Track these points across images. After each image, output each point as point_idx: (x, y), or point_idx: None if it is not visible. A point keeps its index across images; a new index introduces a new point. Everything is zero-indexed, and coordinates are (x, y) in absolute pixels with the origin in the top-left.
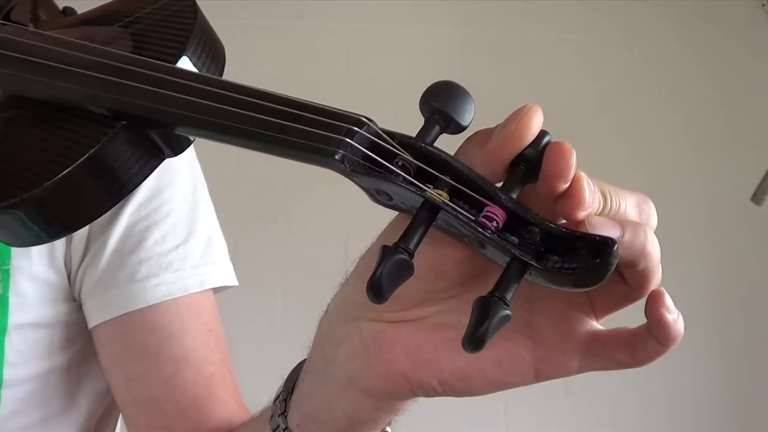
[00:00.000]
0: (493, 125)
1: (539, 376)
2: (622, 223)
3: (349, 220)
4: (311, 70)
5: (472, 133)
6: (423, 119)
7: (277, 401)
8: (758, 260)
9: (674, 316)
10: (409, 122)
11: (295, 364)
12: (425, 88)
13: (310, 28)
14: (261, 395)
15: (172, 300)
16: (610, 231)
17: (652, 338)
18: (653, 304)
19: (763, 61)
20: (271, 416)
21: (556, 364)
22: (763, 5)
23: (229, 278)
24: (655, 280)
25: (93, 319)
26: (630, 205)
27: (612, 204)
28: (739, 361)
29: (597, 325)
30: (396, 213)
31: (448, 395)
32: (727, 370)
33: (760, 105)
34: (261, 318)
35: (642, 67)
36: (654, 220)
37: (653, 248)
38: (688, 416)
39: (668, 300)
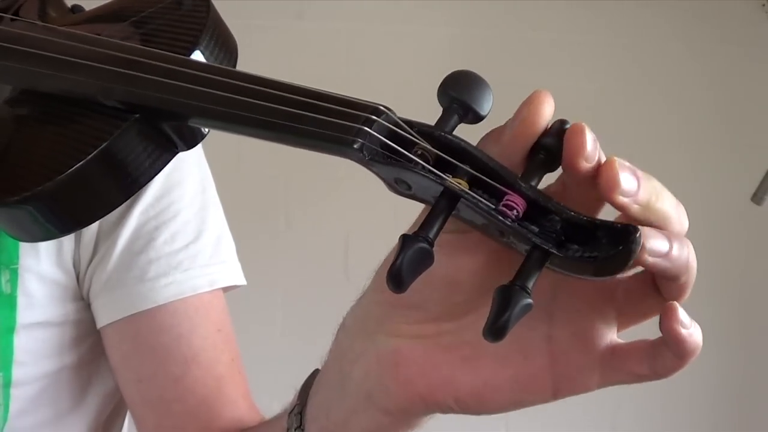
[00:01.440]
0: (493, 124)
1: (557, 394)
2: (670, 236)
3: (349, 220)
4: (311, 69)
5: (488, 124)
6: (423, 118)
7: (292, 414)
8: (758, 260)
9: (689, 330)
10: None
11: (307, 375)
12: (434, 83)
13: (310, 28)
14: (261, 395)
15: (182, 300)
16: (660, 243)
17: (670, 353)
18: (666, 320)
19: (763, 61)
20: (287, 429)
21: (574, 382)
22: (763, 5)
23: (239, 278)
24: (689, 292)
25: (102, 319)
26: (671, 204)
27: (655, 198)
28: (739, 362)
29: (616, 338)
30: (419, 210)
31: (465, 413)
32: (726, 370)
33: (760, 105)
34: (261, 318)
35: (642, 67)
36: (686, 224)
37: (694, 261)
38: (688, 416)
39: (682, 314)
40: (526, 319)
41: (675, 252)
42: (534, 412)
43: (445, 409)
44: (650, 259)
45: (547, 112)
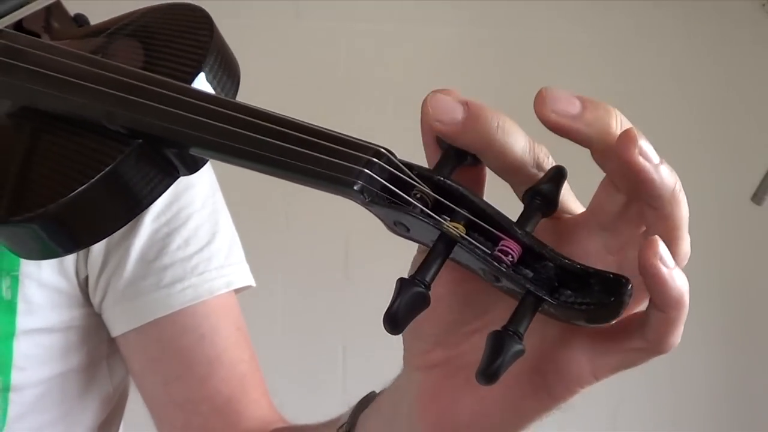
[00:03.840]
0: None
1: (554, 395)
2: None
3: (349, 220)
4: (310, 69)
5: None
6: (420, 118)
7: (340, 430)
8: (758, 260)
9: (670, 269)
10: (408, 122)
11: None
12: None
13: (309, 27)
14: None
15: (201, 302)
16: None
17: (654, 306)
18: (644, 255)
19: (763, 61)
20: None
21: (565, 375)
22: (763, 5)
23: (250, 278)
24: (681, 242)
25: (120, 328)
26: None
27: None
28: (740, 361)
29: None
30: (417, 249)
31: None
32: (727, 369)
33: (760, 105)
34: (261, 318)
35: (642, 67)
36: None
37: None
38: (688, 416)
39: (662, 249)
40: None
41: (664, 171)
42: None
43: None
44: (555, 116)
45: (443, 99)
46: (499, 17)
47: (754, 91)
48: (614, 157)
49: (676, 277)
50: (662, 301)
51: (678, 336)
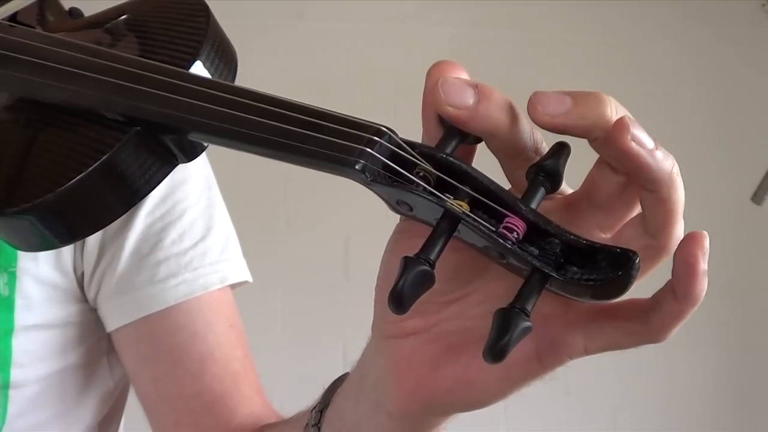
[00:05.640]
0: None
1: (544, 363)
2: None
3: (349, 220)
4: (311, 69)
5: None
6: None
7: (314, 411)
8: (758, 260)
9: (706, 269)
10: (409, 121)
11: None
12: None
13: (310, 27)
14: None
15: (194, 298)
16: (643, 138)
17: (671, 296)
18: (690, 245)
19: (763, 61)
20: (306, 424)
21: (557, 346)
22: (763, 5)
23: (247, 273)
24: (677, 225)
25: (113, 323)
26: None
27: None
28: (739, 362)
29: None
30: (399, 219)
31: (461, 408)
32: (726, 370)
33: (760, 105)
34: (261, 318)
35: (642, 67)
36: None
37: (679, 180)
38: (688, 416)
39: (707, 246)
40: (509, 291)
41: (659, 154)
42: (534, 412)
43: (443, 407)
44: (548, 118)
45: (451, 82)
46: (499, 17)
47: (754, 92)
48: (610, 145)
49: (705, 279)
50: (686, 294)
51: (675, 331)
